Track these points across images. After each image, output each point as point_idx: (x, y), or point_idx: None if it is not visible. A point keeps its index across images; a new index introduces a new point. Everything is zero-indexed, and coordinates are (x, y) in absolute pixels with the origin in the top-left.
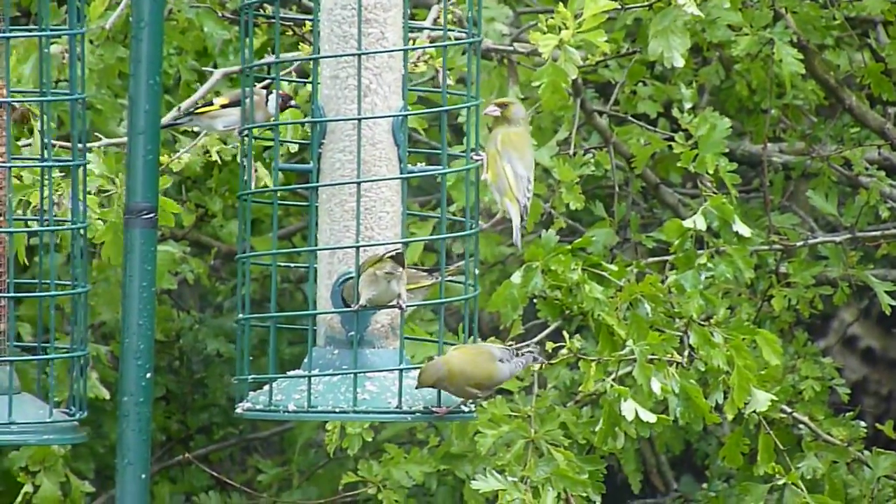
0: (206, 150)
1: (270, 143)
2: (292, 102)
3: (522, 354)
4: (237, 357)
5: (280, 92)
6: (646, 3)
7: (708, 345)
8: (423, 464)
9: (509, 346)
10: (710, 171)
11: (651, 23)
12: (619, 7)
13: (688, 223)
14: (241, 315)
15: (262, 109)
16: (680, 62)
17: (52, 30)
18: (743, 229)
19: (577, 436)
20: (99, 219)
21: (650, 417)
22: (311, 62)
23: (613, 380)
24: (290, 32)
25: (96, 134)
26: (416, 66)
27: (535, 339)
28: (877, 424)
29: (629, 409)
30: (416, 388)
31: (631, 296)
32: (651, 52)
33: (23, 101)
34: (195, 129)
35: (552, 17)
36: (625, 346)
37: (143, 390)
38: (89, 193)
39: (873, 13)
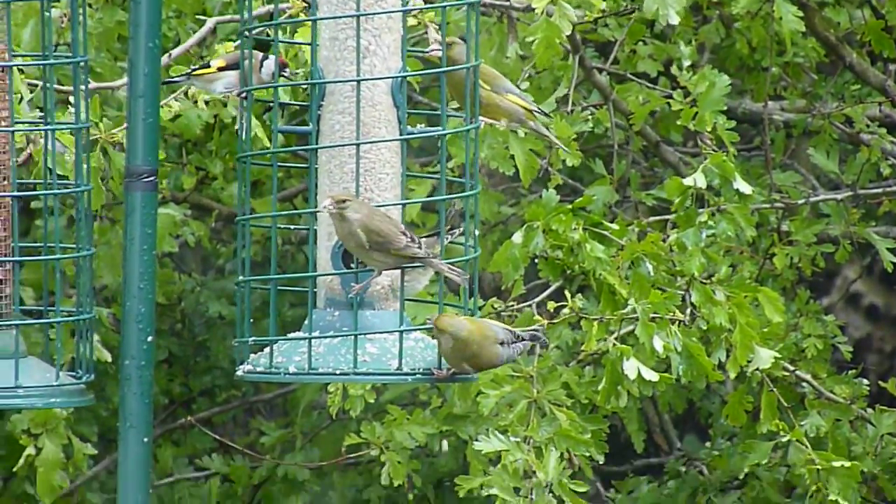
0: (195, 101)
1: (270, 104)
2: (287, 71)
3: (522, 339)
4: (237, 320)
5: (276, 58)
6: None
7: (710, 303)
8: (425, 425)
9: (513, 328)
10: (709, 129)
11: None
12: None
13: (688, 181)
14: (241, 277)
15: (256, 74)
16: (675, 19)
17: None
18: (744, 187)
19: (579, 396)
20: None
21: (652, 376)
22: (311, 24)
23: (616, 339)
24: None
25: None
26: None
27: (537, 299)
28: (880, 382)
29: (631, 367)
30: (434, 329)
31: (632, 255)
32: (646, 9)
33: (26, 65)
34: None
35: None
36: (626, 306)
37: (145, 354)
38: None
39: None
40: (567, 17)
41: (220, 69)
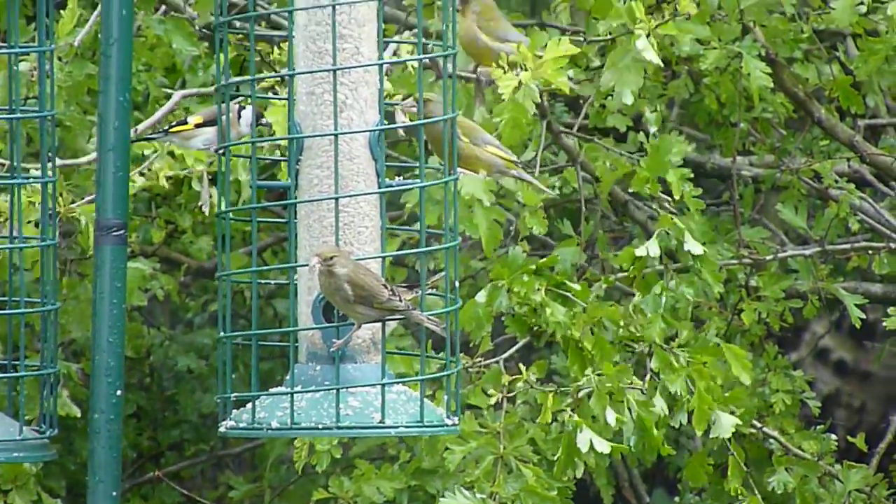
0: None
1: (248, 159)
2: (263, 120)
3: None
4: (219, 375)
5: (254, 109)
6: (607, 38)
7: (669, 368)
8: (393, 480)
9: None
10: (675, 193)
11: (610, 53)
12: (582, 40)
13: (640, 252)
14: (222, 333)
15: (235, 127)
16: (629, 100)
17: (21, 47)
18: (695, 247)
19: (546, 452)
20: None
21: (604, 448)
22: (287, 79)
23: (575, 402)
24: (259, 47)
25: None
26: (388, 75)
27: (506, 355)
28: (848, 437)
29: (584, 440)
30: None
31: (593, 319)
32: (603, 84)
33: None
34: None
35: (513, 55)
36: (593, 362)
37: (114, 407)
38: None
39: (841, 26)
40: (532, 96)
41: (198, 126)
